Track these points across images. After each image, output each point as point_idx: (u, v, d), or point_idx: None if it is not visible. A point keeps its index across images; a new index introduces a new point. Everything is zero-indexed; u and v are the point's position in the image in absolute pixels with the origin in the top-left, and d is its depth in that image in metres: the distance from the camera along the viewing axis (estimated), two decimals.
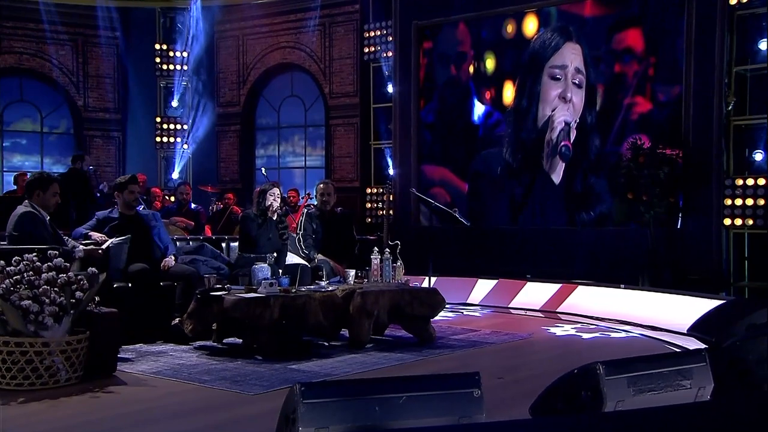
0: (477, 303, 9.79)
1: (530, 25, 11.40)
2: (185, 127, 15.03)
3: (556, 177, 11.00)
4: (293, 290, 6.59)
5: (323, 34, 14.26)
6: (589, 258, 10.49)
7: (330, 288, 6.86)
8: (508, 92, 11.63)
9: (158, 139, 14.92)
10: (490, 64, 11.85)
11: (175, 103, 15.09)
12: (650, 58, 10.45)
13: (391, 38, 13.01)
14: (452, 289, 10.02)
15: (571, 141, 10.85)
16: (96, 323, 5.35)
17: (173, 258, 7.23)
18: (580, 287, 9.30)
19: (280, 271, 6.96)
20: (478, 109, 11.93)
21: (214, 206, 12.54)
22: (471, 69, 12.00)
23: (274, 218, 7.63)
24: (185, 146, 15.01)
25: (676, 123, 10.17)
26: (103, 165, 14.83)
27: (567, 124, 10.82)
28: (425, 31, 12.56)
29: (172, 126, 14.99)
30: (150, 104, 15.11)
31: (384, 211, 9.58)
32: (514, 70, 11.56)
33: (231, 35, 15.22)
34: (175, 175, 14.90)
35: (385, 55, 13.21)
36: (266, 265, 6.78)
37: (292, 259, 7.83)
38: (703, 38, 9.93)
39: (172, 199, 12.32)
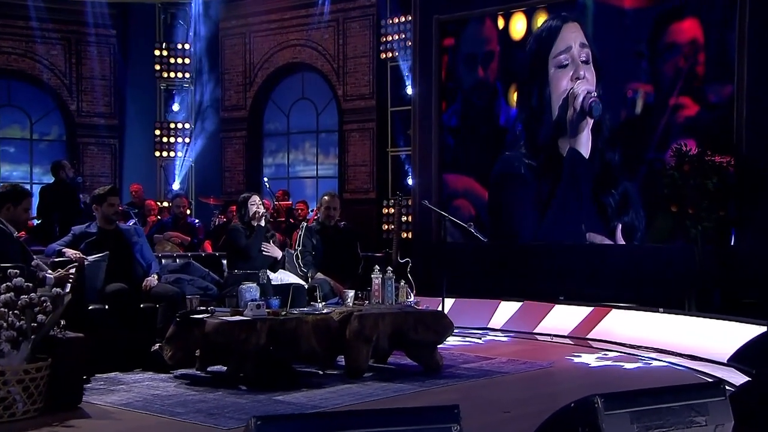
0: (498, 328, 9.73)
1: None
2: (187, 133, 15.14)
3: (585, 149, 10.93)
4: (283, 313, 6.58)
5: (336, 30, 14.32)
6: (627, 278, 10.36)
7: (325, 310, 6.84)
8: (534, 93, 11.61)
9: (157, 146, 15.05)
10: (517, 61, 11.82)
11: (175, 108, 15.24)
12: (698, 55, 10.33)
13: (410, 34, 13.02)
14: (472, 312, 10.01)
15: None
16: (60, 349, 5.38)
17: (156, 277, 7.27)
18: (614, 311, 9.21)
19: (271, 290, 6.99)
20: (505, 111, 11.89)
21: (216, 220, 12.61)
22: (497, 68, 11.97)
23: (262, 224, 7.69)
24: (187, 154, 15.12)
25: (726, 127, 10.03)
26: (97, 175, 15.01)
27: (590, 92, 10.79)
28: (447, 27, 12.54)
29: (172, 132, 15.11)
30: (149, 109, 15.28)
31: (394, 226, 9.54)
32: (520, 71, 11.59)
33: (236, 32, 15.33)
34: (175, 186, 15.02)
35: (403, 53, 13.22)
36: (255, 284, 6.79)
37: (288, 278, 7.84)
38: (758, 31, 9.80)
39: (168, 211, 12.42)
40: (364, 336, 6.65)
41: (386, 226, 13.33)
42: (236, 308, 6.62)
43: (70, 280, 6.34)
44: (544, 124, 11.34)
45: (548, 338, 9.16)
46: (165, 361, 6.59)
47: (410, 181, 12.90)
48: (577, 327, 9.24)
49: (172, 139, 15.09)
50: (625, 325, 8.92)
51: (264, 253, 7.70)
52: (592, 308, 9.37)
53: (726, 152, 9.82)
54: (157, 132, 15.06)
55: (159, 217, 12.29)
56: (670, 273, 10.03)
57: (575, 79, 10.94)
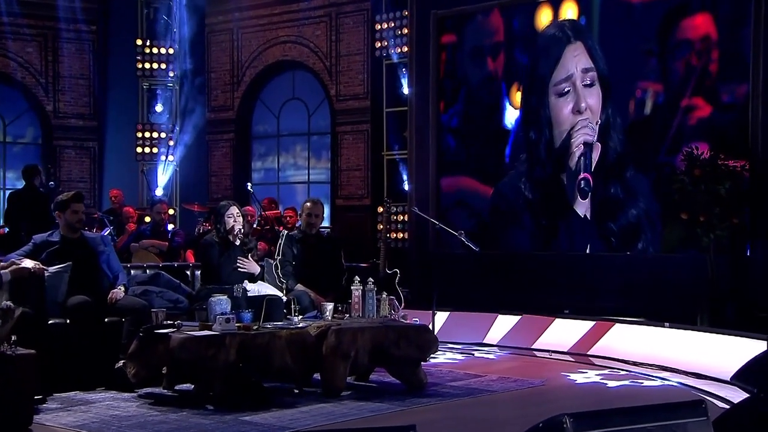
0: (495, 343, 9.70)
1: (569, 13, 11.32)
2: (171, 135, 15.15)
3: (582, 209, 10.88)
4: (255, 327, 6.56)
5: (329, 26, 14.33)
6: (635, 290, 10.31)
7: (301, 324, 6.82)
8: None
9: (139, 149, 15.04)
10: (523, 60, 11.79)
11: (159, 108, 15.23)
12: (711, 52, 10.29)
13: (407, 30, 13.01)
14: (467, 326, 10.00)
15: (593, 163, 10.73)
16: (8, 367, 5.36)
17: (123, 289, 7.25)
18: (617, 326, 9.16)
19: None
20: (510, 112, 11.86)
21: (201, 228, 12.58)
22: (501, 65, 11.94)
23: (237, 243, 7.60)
24: (170, 158, 15.12)
25: (741, 129, 9.98)
26: (75, 180, 15.03)
27: (587, 145, 10.72)
28: (446, 23, 12.53)
29: (155, 134, 15.10)
30: (130, 109, 15.26)
31: (381, 234, 9.53)
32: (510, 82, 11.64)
33: (223, 28, 15.36)
34: (158, 192, 15.00)
35: (400, 50, 13.21)
36: (225, 297, 6.76)
37: (267, 290, 7.81)
38: None
39: (147, 219, 12.39)
40: (342, 352, 6.62)
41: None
42: (205, 322, 6.60)
43: (30, 270, 6.36)
44: (542, 153, 11.30)
45: (547, 354, 9.12)
46: (130, 380, 6.57)
47: (406, 187, 12.88)
48: (577, 342, 9.20)
49: (155, 142, 15.08)
50: (629, 340, 8.87)
51: (240, 269, 7.61)
52: (594, 323, 9.32)
53: (740, 156, 9.78)
54: (139, 134, 15.05)
55: (137, 225, 12.27)
56: (681, 285, 9.97)
57: (576, 112, 10.87)
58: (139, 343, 6.46)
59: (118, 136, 15.36)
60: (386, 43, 13.41)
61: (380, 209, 12.86)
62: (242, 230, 7.61)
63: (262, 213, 12.36)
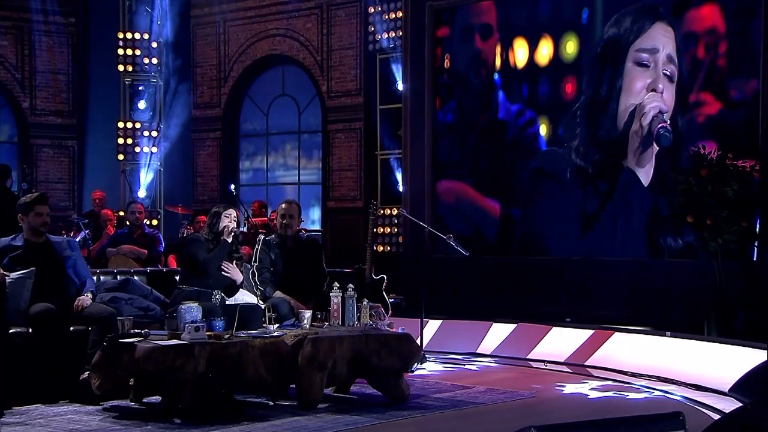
0: (489, 353, 9.69)
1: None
2: (154, 134, 15.14)
3: (645, 176, 10.67)
4: (227, 336, 6.55)
5: (320, 19, 14.34)
6: (638, 297, 10.31)
7: (276, 333, 6.81)
8: (543, 86, 11.53)
9: (121, 149, 15.02)
10: (522, 53, 11.76)
11: (141, 105, 15.22)
12: (719, 45, 10.27)
13: (401, 23, 13.00)
14: (461, 335, 10.00)
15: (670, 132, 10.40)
16: None
17: (90, 296, 7.23)
18: (616, 335, 9.16)
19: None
20: (506, 104, 11.84)
21: (185, 231, 12.57)
22: (498, 58, 11.92)
23: (230, 240, 7.61)
24: (154, 155, 15.09)
25: (750, 127, 9.96)
26: (53, 181, 15.06)
27: (661, 112, 10.42)
28: (442, 15, 12.53)
29: (137, 133, 15.07)
30: (112, 107, 15.25)
31: (369, 237, 9.52)
32: (582, 57, 11.25)
33: (210, 21, 15.38)
34: (141, 193, 15.01)
35: (394, 44, 13.20)
36: (196, 304, 6.74)
37: (248, 299, 7.80)
38: None
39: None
40: (318, 362, 6.59)
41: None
42: (175, 331, 6.59)
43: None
44: (608, 119, 10.95)
45: (542, 365, 9.11)
46: (95, 392, 6.56)
47: (401, 188, 12.88)
48: (575, 352, 9.20)
49: (137, 141, 15.06)
50: (628, 350, 8.87)
51: (224, 272, 7.61)
52: (593, 332, 9.31)
53: (749, 155, 9.74)
54: (121, 133, 15.02)
55: (116, 228, 12.26)
56: (687, 292, 9.97)
57: (651, 90, 10.51)
58: (104, 353, 6.43)
59: (98, 134, 15.38)
60: (380, 37, 13.41)
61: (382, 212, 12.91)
62: (236, 230, 7.64)
63: (248, 219, 12.31)
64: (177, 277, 8.12)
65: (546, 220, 11.31)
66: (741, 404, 6.54)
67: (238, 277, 7.69)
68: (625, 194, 10.69)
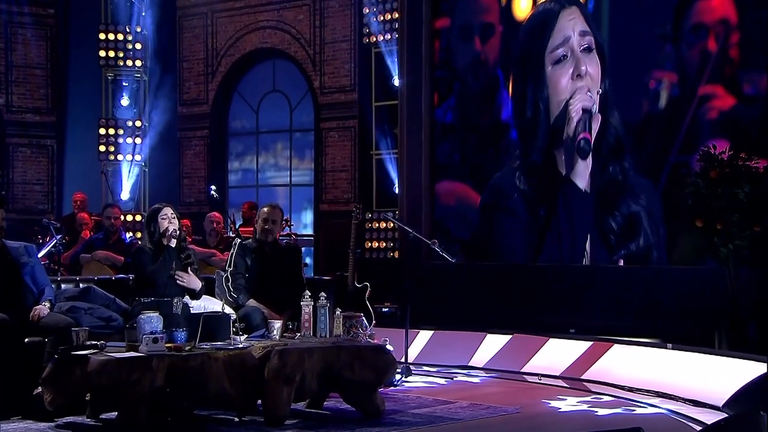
0: (481, 366, 9.69)
1: None
2: (138, 132, 15.14)
3: (582, 181, 10.84)
4: (188, 348, 6.57)
5: (312, 10, 14.39)
6: (644, 307, 10.28)
7: (242, 345, 6.82)
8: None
9: (102, 148, 15.01)
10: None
11: (125, 102, 15.20)
12: (732, 36, 10.25)
13: (397, 15, 13.01)
14: (452, 346, 10.00)
15: (593, 131, 10.71)
16: None
17: (48, 305, 7.26)
18: (615, 346, 9.11)
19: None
20: (507, 103, 11.86)
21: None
22: (499, 50, 11.94)
23: (173, 245, 7.61)
24: (137, 157, 15.11)
25: (763, 124, 9.94)
26: (30, 182, 15.12)
27: (586, 111, 10.73)
28: (441, 5, 12.55)
29: (120, 131, 15.05)
30: (93, 103, 15.20)
31: (352, 243, 9.54)
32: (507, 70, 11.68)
33: (197, 12, 15.47)
34: (124, 195, 14.99)
35: (390, 37, 13.21)
36: (156, 314, 6.75)
37: (214, 306, 7.82)
38: None
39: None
40: (285, 375, 6.59)
41: (370, 243, 13.27)
42: (134, 342, 6.61)
43: None
44: (539, 139, 11.33)
45: (536, 378, 9.09)
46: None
47: (397, 190, 12.88)
48: (571, 365, 9.17)
49: (119, 140, 15.04)
50: (627, 363, 8.83)
51: (179, 282, 7.60)
52: (591, 343, 9.29)
53: (762, 155, 9.71)
54: (102, 131, 14.99)
55: (93, 232, 12.30)
56: (696, 301, 9.92)
57: (576, 77, 10.92)
58: (55, 366, 6.44)
59: (79, 132, 15.37)
60: (375, 29, 13.40)
61: (370, 216, 12.93)
62: (176, 232, 7.61)
63: (234, 227, 12.24)
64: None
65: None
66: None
67: (196, 284, 7.65)
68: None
